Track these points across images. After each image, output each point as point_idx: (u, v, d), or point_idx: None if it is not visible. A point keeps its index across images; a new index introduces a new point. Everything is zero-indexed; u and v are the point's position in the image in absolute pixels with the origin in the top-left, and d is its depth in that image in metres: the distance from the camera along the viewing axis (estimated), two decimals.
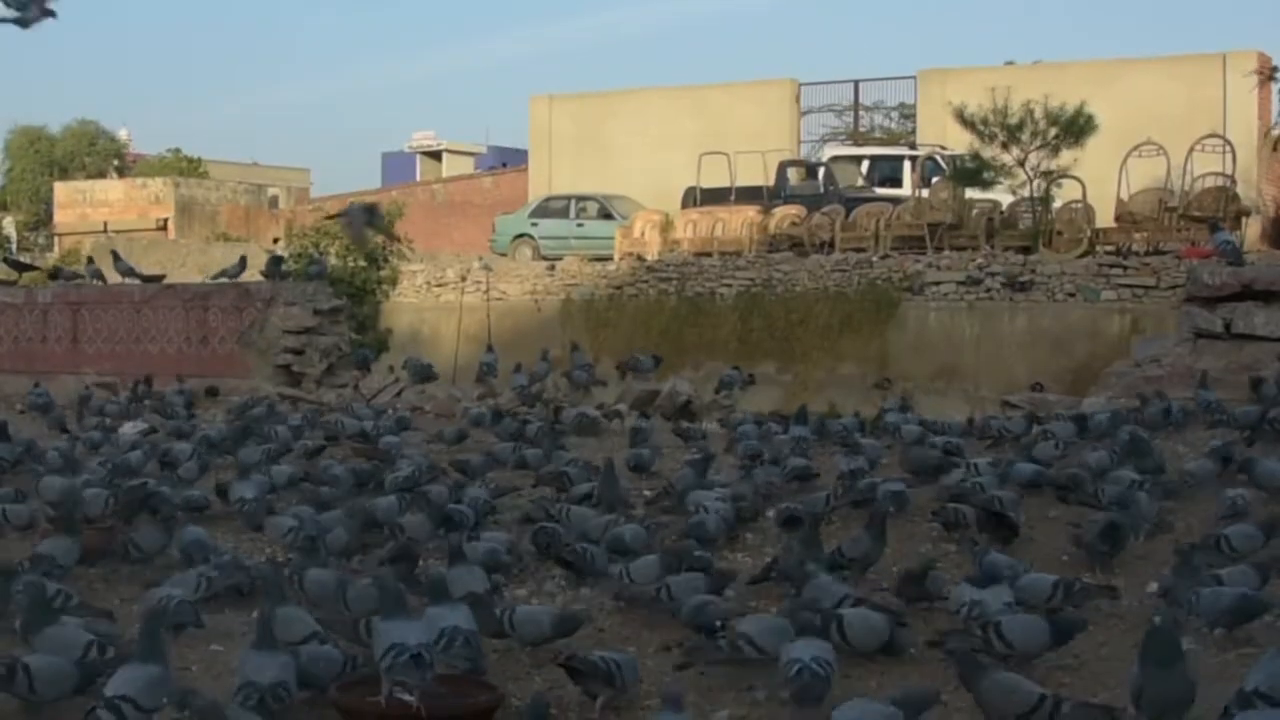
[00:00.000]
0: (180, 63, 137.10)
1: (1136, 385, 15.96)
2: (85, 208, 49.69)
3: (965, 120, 28.94)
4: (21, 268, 27.55)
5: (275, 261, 22.28)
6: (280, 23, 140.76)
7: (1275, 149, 33.04)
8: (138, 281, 22.26)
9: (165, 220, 48.27)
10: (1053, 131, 28.16)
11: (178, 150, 59.35)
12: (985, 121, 28.61)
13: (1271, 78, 27.20)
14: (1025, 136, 28.20)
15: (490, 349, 20.00)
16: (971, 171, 29.63)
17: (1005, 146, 28.43)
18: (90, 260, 29.60)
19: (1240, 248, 19.80)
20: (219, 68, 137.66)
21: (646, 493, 10.74)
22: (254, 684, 5.85)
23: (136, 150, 63.39)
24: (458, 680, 6.29)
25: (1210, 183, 27.69)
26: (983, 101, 28.79)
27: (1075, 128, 28.25)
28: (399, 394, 18.47)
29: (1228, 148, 28.67)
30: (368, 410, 15.87)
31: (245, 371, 20.47)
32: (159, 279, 23.09)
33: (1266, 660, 5.39)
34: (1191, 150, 28.29)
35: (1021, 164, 28.39)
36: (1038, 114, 28.20)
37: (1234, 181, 28.08)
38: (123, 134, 63.55)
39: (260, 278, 22.11)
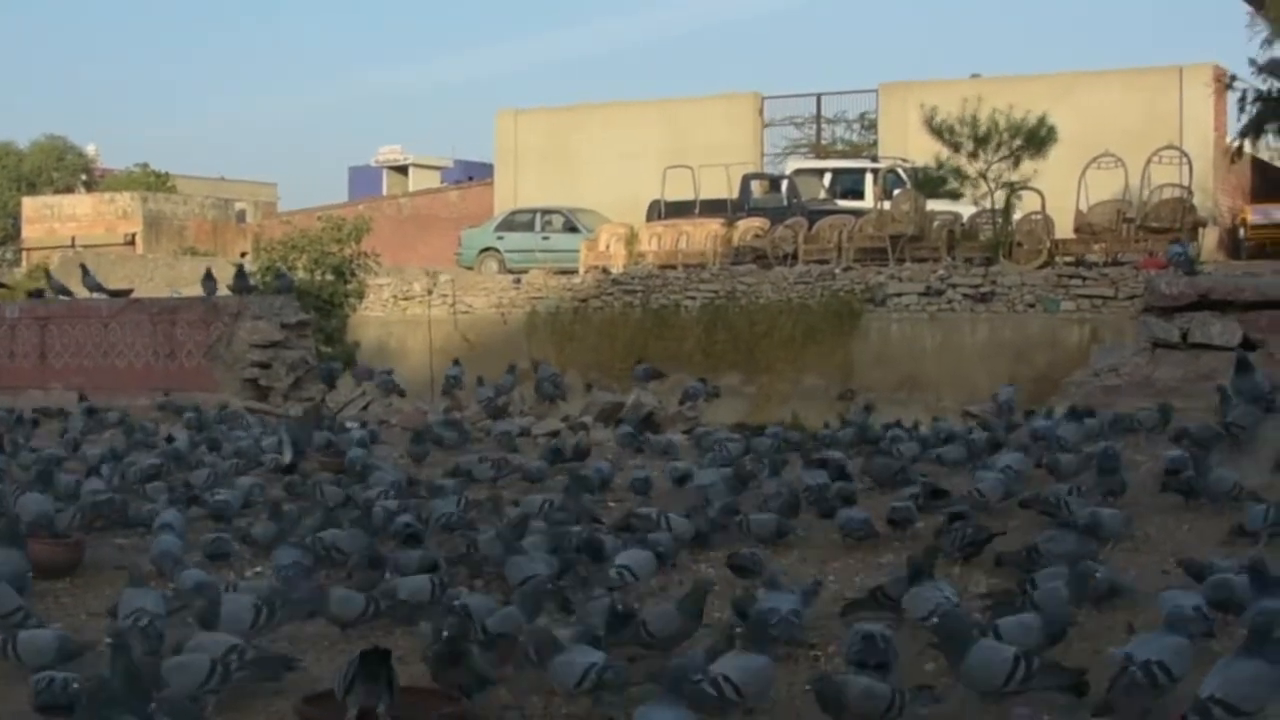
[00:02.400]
0: (148, 78, 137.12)
1: (1095, 395, 16.15)
2: (53, 222, 49.63)
3: (935, 128, 29.15)
4: None
5: (241, 275, 22.31)
6: (248, 38, 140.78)
7: (1234, 161, 33.29)
8: (105, 296, 22.28)
9: (133, 235, 48.22)
10: (1016, 142, 28.43)
11: (145, 165, 59.38)
12: (953, 130, 28.86)
13: (1229, 86, 27.40)
14: (990, 147, 28.46)
15: (456, 362, 20.09)
16: (937, 180, 29.85)
17: (972, 156, 28.68)
18: (49, 275, 29.62)
19: (1195, 258, 20.04)
20: (187, 83, 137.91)
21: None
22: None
23: (104, 165, 63.38)
24: (422, 693, 6.31)
25: (1168, 194, 27.92)
26: (951, 111, 29.03)
27: (1037, 139, 28.53)
28: (366, 407, 18.57)
29: (1185, 159, 28.94)
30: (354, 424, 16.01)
31: (213, 385, 20.49)
32: (127, 294, 23.13)
33: (1223, 665, 5.41)
34: (1149, 162, 28.55)
35: (983, 175, 28.66)
36: (1002, 124, 28.47)
37: (1191, 193, 28.33)
38: (90, 149, 63.57)
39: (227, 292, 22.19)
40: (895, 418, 14.95)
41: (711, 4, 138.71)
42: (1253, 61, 27.28)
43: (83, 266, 23.66)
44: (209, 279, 21.85)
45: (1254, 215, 33.64)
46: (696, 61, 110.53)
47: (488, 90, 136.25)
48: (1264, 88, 26.50)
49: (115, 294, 22.96)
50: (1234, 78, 27.16)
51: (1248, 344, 15.92)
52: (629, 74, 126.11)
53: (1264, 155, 36.26)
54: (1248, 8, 31.98)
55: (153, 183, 56.22)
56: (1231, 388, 12.37)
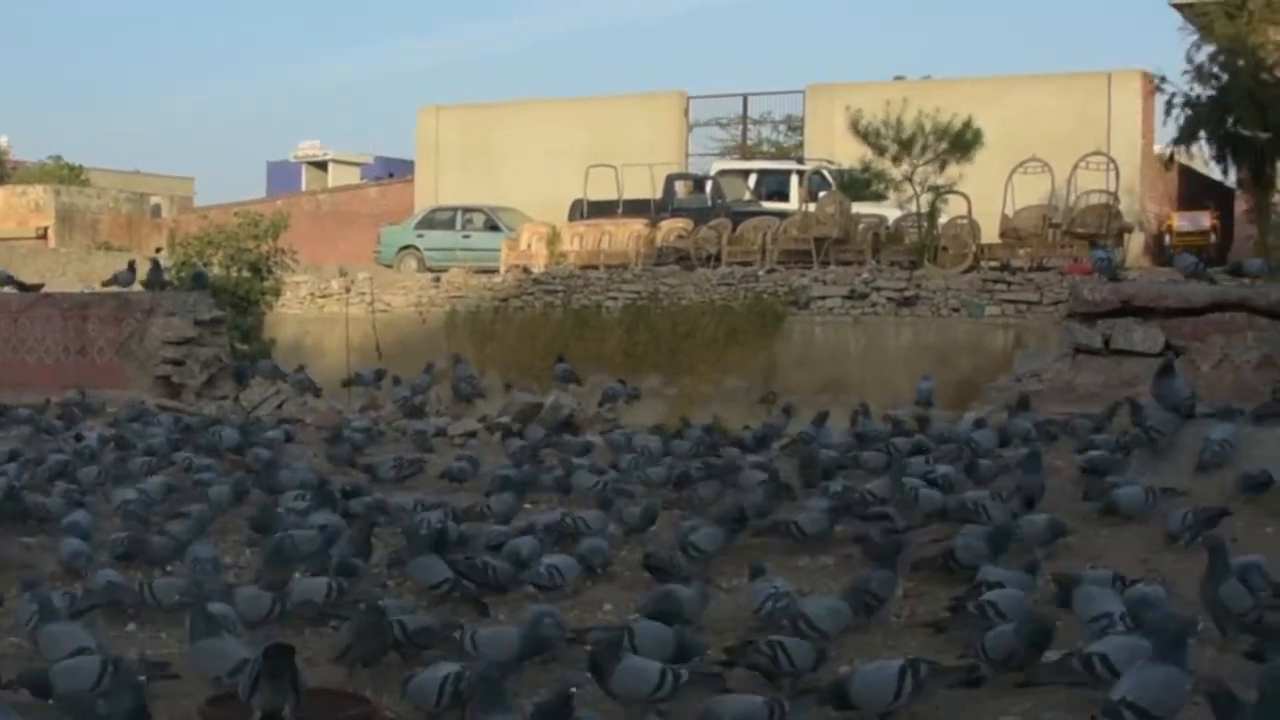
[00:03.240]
0: (62, 69, 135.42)
1: (1017, 400, 16.11)
2: None
3: (860, 131, 29.09)
4: None
5: (155, 268, 21.93)
6: (165, 30, 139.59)
7: (1168, 168, 33.40)
8: (14, 291, 21.83)
9: (45, 229, 47.60)
10: (941, 145, 28.40)
11: (59, 158, 58.73)
12: (878, 133, 28.81)
13: (1158, 89, 27.50)
14: (916, 150, 28.42)
15: (365, 368, 19.81)
16: (862, 182, 29.81)
17: (896, 159, 28.65)
18: None
19: (1119, 264, 20.06)
20: (102, 74, 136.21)
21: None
22: None
23: (16, 157, 62.50)
24: (330, 694, 6.26)
25: (1094, 200, 27.99)
26: (876, 113, 29.00)
27: (963, 142, 28.51)
28: (280, 406, 18.30)
29: (1111, 165, 29.00)
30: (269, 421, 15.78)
31: (125, 382, 20.20)
32: (37, 288, 22.72)
33: (1135, 669, 5.45)
34: (1075, 167, 28.61)
35: (909, 179, 28.63)
36: (928, 128, 28.44)
37: (1117, 199, 28.39)
38: (2, 140, 62.68)
39: (140, 287, 21.82)
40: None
41: (637, 1, 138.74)
42: (1197, 66, 27.34)
43: (155, 262, 23.00)
44: (130, 270, 21.54)
45: (1180, 221, 33.81)
46: (621, 60, 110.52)
47: (408, 86, 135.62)
48: (1193, 93, 26.59)
49: (26, 289, 22.54)
50: (1164, 78, 27.22)
51: (1170, 350, 15.93)
52: (553, 71, 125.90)
53: (1189, 162, 36.43)
54: (1177, 14, 32.15)
55: (66, 176, 55.57)
56: (1153, 392, 12.33)
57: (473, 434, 15.70)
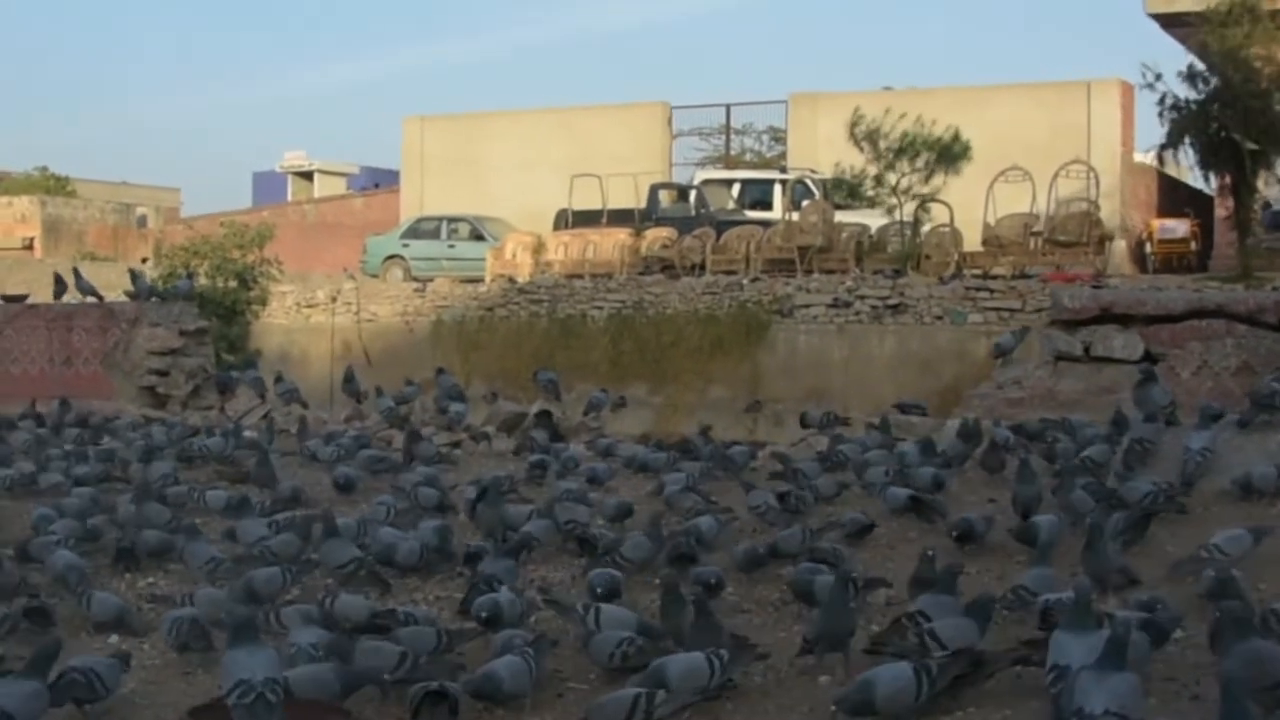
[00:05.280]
0: (48, 79, 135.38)
1: (998, 407, 16.21)
2: None
3: (857, 137, 29.14)
4: None
5: (139, 279, 21.99)
6: (151, 40, 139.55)
7: (1161, 164, 33.40)
8: (96, 299, 21.70)
9: (31, 239, 47.62)
10: (929, 156, 28.52)
11: (44, 168, 58.66)
12: (873, 140, 28.90)
13: (1150, 86, 27.52)
14: (905, 159, 28.54)
15: (349, 378, 19.76)
16: (853, 186, 29.91)
17: (890, 167, 28.76)
18: None
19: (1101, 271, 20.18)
20: (88, 85, 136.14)
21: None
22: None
23: (2, 168, 62.46)
24: (311, 706, 6.25)
25: (1075, 208, 28.10)
26: (869, 121, 29.08)
27: (950, 154, 28.61)
28: (266, 416, 18.33)
29: (1091, 174, 29.13)
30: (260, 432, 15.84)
31: (110, 393, 20.24)
32: (22, 299, 22.76)
33: (1094, 678, 5.35)
34: (1056, 176, 28.76)
35: (895, 188, 28.74)
36: (918, 139, 28.56)
37: (1098, 207, 28.51)
38: None
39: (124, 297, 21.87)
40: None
41: (620, 13, 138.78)
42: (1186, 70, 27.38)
43: (75, 270, 23.01)
44: (137, 278, 21.62)
45: (1161, 228, 34.00)
46: (605, 70, 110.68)
47: (393, 96, 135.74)
48: (1181, 98, 26.65)
49: (10, 299, 22.57)
50: (1159, 76, 27.28)
51: (1149, 357, 16.06)
52: (537, 81, 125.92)
53: (1171, 170, 36.56)
54: (1155, 24, 32.25)
55: (52, 186, 55.55)
56: (1135, 400, 12.42)
57: (457, 444, 15.76)
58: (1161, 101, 26.73)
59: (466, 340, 27.48)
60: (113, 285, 24.10)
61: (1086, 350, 16.66)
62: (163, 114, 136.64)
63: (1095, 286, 19.32)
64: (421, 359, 25.30)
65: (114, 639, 7.74)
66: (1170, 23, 31.56)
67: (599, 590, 7.96)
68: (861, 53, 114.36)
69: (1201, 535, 8.89)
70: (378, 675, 6.66)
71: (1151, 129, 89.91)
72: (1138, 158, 38.13)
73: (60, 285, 22.34)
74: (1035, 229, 27.98)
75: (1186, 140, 26.99)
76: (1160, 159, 29.97)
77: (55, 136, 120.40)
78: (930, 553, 8.06)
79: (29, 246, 47.08)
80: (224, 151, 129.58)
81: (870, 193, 30.31)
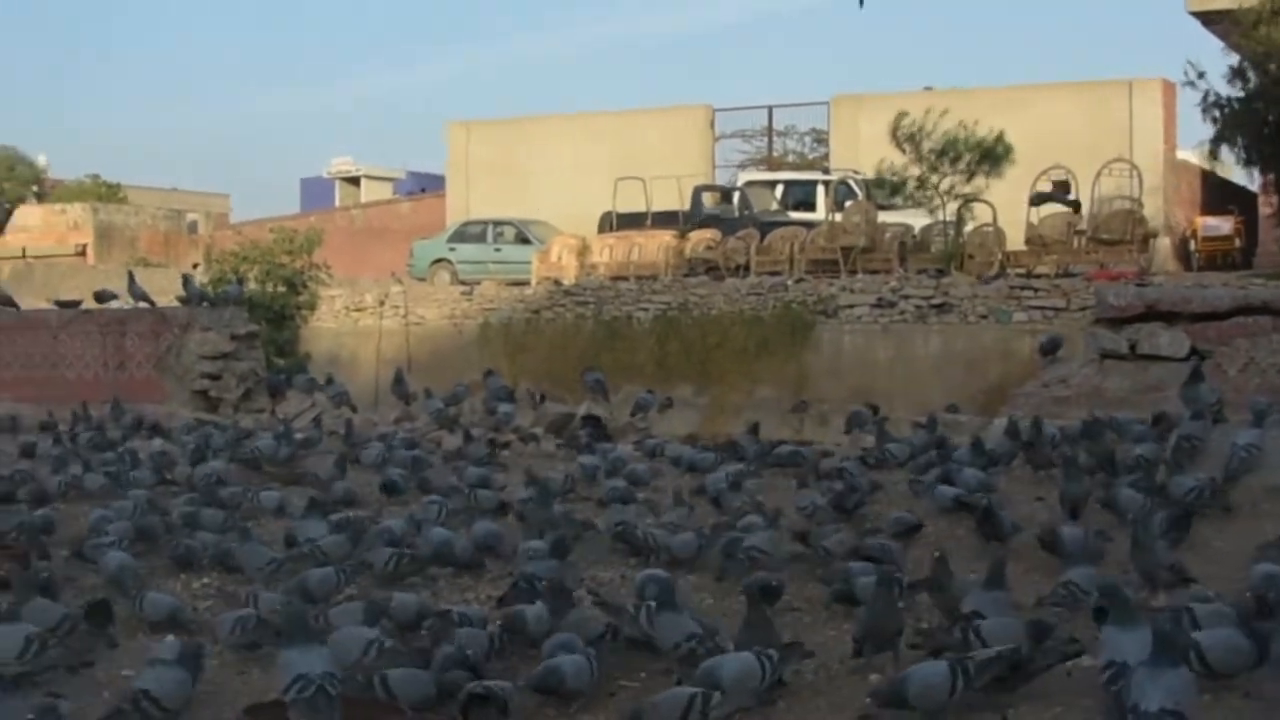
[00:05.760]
0: (99, 88, 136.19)
1: (1044, 405, 16.26)
2: (4, 234, 49.24)
3: (899, 138, 29.17)
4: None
5: (190, 284, 22.25)
6: (200, 49, 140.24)
7: (1213, 159, 33.26)
8: (149, 305, 21.93)
9: (84, 246, 47.89)
10: (973, 157, 28.53)
11: (96, 176, 59.02)
12: (915, 140, 28.93)
13: (1192, 84, 27.41)
14: (948, 160, 28.55)
15: (399, 379, 19.92)
16: (895, 186, 29.91)
17: (934, 168, 28.76)
18: None
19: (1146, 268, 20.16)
20: (139, 93, 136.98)
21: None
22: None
23: (55, 176, 62.88)
24: (366, 705, 6.30)
25: (1118, 206, 28.05)
26: (915, 120, 29.12)
27: (994, 155, 28.61)
28: (317, 418, 18.50)
29: (1134, 172, 29.09)
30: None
31: (162, 396, 20.47)
32: (76, 304, 23.01)
33: (1148, 675, 5.32)
34: (1099, 174, 28.71)
35: (936, 188, 28.75)
36: (960, 140, 28.57)
37: (1141, 205, 28.45)
38: (41, 160, 63.07)
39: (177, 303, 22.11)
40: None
41: (662, 18, 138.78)
42: (1232, 67, 27.26)
43: (129, 275, 23.31)
44: (188, 283, 21.93)
45: (1205, 226, 33.92)
46: (647, 74, 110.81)
47: (438, 102, 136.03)
48: (1224, 95, 26.58)
49: (64, 305, 22.83)
50: (1201, 74, 27.19)
51: (1196, 355, 16.07)
52: (580, 86, 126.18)
53: (1215, 167, 36.47)
54: (1196, 22, 32.19)
55: (104, 194, 55.87)
56: (1182, 398, 12.44)
57: (506, 445, 15.90)
58: (1205, 99, 26.67)
59: (513, 342, 27.56)
60: (164, 291, 24.31)
61: (1132, 348, 16.70)
62: (212, 121, 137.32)
63: (1140, 284, 19.29)
64: (469, 361, 25.39)
65: (170, 638, 7.75)
66: (1211, 20, 31.49)
67: (653, 591, 7.83)
68: (903, 54, 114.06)
69: (1250, 532, 8.90)
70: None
71: (1194, 127, 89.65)
72: (1180, 155, 38.04)
73: (104, 296, 22.54)
74: (1079, 227, 27.94)
75: (1234, 138, 26.94)
76: (1213, 153, 29.89)
77: (107, 145, 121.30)
78: (937, 554, 8.12)
79: (82, 253, 47.35)
80: (272, 158, 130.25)
81: (913, 194, 30.32)
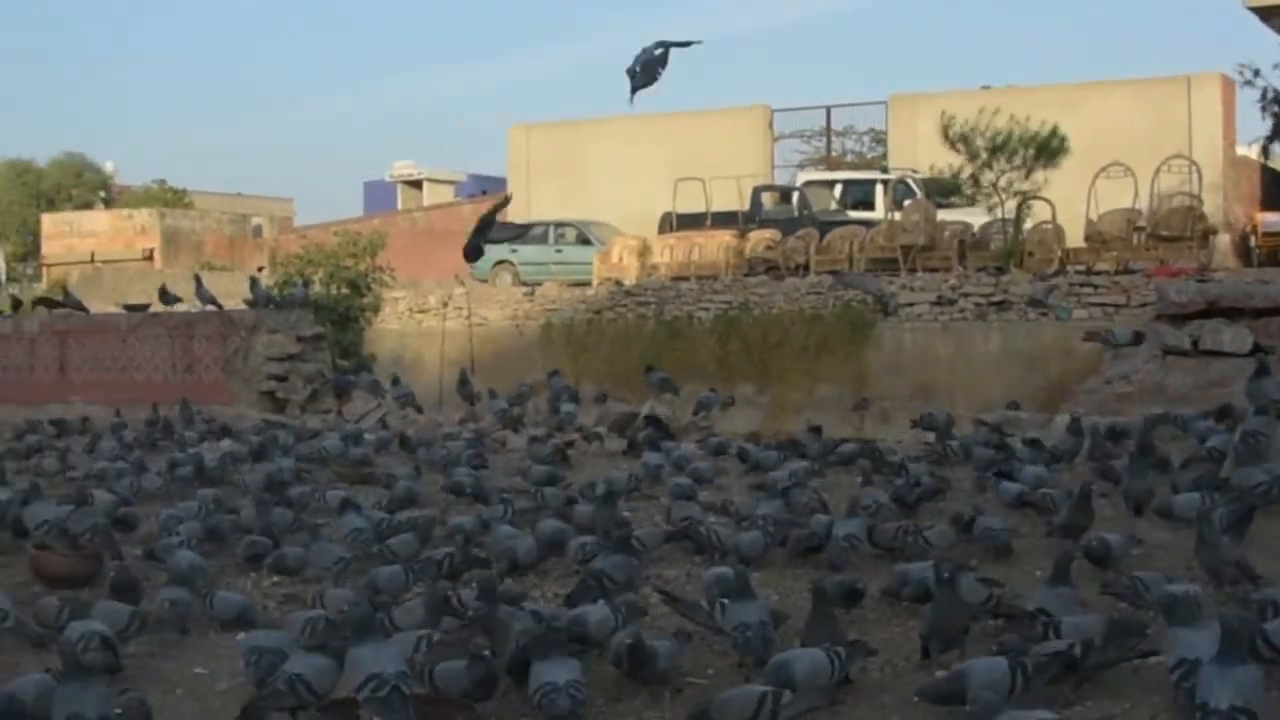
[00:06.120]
0: (165, 95, 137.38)
1: (1107, 402, 16.28)
2: (72, 239, 49.80)
3: (951, 138, 29.22)
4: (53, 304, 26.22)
5: (256, 287, 22.51)
6: (265, 55, 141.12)
7: (1265, 157, 33.07)
8: (216, 308, 22.30)
9: (151, 250, 48.44)
10: (1028, 152, 28.54)
11: (163, 181, 59.75)
12: (967, 139, 28.96)
13: (1249, 83, 27.33)
14: (1003, 157, 28.57)
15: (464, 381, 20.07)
16: (951, 185, 29.92)
17: (988, 165, 28.78)
18: (66, 290, 29.73)
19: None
20: (203, 99, 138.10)
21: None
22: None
23: (122, 182, 63.65)
24: (434, 701, 6.28)
25: (1177, 202, 28.00)
26: (965, 122, 29.17)
27: (1049, 149, 28.61)
28: (382, 419, 18.68)
29: (1193, 168, 29.02)
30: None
31: (229, 398, 20.71)
32: (144, 308, 23.30)
33: (1216, 672, 5.30)
34: (1158, 171, 28.65)
35: (994, 185, 28.77)
36: (1015, 135, 28.58)
37: (1201, 201, 28.38)
38: (108, 166, 63.87)
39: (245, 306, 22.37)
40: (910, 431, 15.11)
41: (720, 19, 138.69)
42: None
43: (197, 279, 23.69)
44: (255, 284, 22.24)
45: (1266, 221, 33.78)
46: (706, 75, 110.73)
47: (498, 104, 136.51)
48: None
49: (133, 309, 23.13)
50: (1257, 72, 27.09)
51: (1259, 350, 16.03)
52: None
53: (1275, 163, 36.35)
54: (1254, 17, 32.09)
55: (170, 199, 56.53)
56: (1247, 393, 12.42)
57: (570, 444, 16.01)
58: (1263, 96, 26.59)
59: (575, 342, 27.69)
60: (230, 294, 24.60)
61: (1194, 344, 16.68)
62: (276, 127, 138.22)
63: (1201, 280, 19.27)
64: (531, 361, 25.56)
65: (241, 636, 7.84)
66: (1269, 14, 31.38)
67: (723, 589, 7.73)
68: (960, 53, 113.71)
69: None
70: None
71: (1253, 122, 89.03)
72: (1240, 151, 37.88)
73: (167, 297, 22.85)
74: (1138, 224, 27.91)
75: None
76: (1265, 150, 29.72)
77: (173, 150, 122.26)
78: (939, 565, 8.08)
79: (149, 257, 47.90)
80: (335, 162, 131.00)
81: (968, 191, 30.34)
